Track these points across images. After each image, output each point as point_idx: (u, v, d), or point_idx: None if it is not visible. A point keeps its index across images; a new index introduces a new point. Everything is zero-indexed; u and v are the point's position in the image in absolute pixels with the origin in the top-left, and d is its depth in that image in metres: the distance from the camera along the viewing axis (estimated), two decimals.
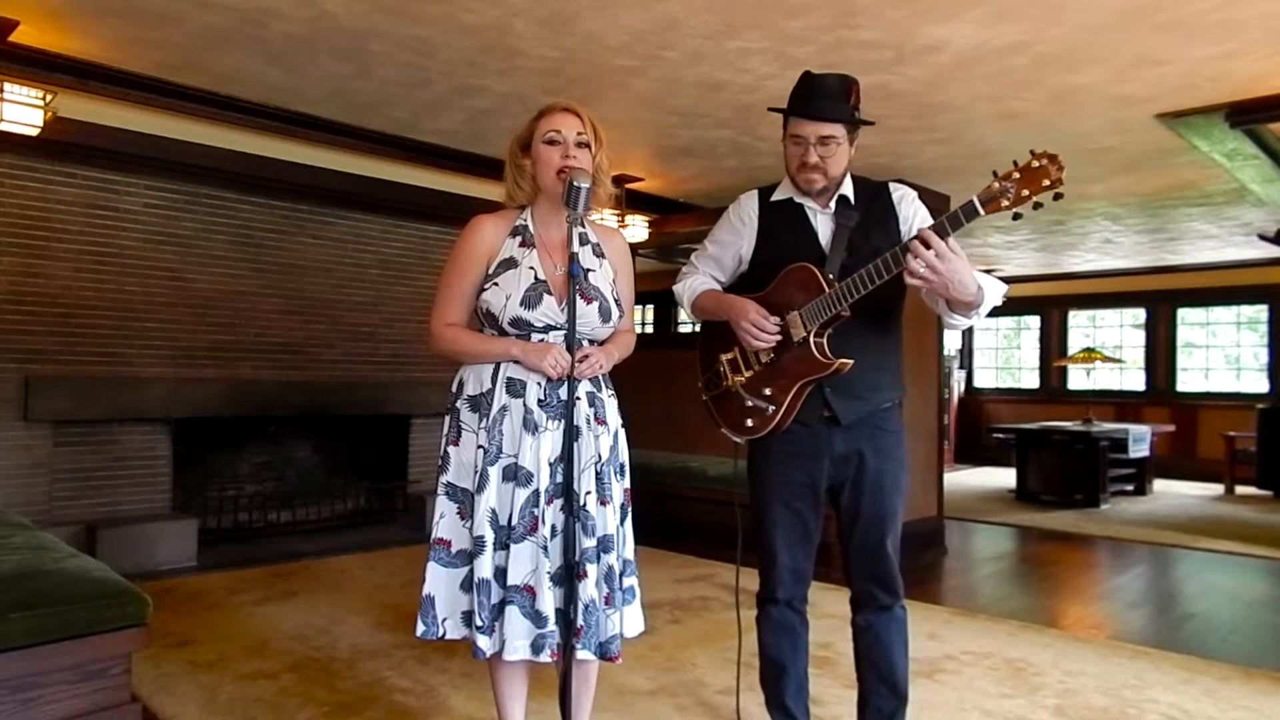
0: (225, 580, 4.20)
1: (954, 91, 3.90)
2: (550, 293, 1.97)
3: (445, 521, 2.00)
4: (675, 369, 5.88)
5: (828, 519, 2.16)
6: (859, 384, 2.04)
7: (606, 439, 2.02)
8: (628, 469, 2.11)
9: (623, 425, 2.13)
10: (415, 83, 3.96)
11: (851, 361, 1.98)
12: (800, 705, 2.21)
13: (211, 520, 5.01)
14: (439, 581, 1.98)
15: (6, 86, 3.57)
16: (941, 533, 5.43)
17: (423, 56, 3.65)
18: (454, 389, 2.07)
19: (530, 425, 1.94)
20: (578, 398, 1.98)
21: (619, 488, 2.05)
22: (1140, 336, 10.08)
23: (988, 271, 10.40)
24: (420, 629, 1.97)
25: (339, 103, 4.29)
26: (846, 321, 1.98)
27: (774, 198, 2.17)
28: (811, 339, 2.00)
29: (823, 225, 2.09)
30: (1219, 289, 9.27)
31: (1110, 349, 9.92)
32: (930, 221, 2.10)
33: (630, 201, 5.84)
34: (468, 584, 1.97)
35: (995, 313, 10.93)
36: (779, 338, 2.04)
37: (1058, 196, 1.78)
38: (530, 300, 1.96)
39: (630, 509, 2.11)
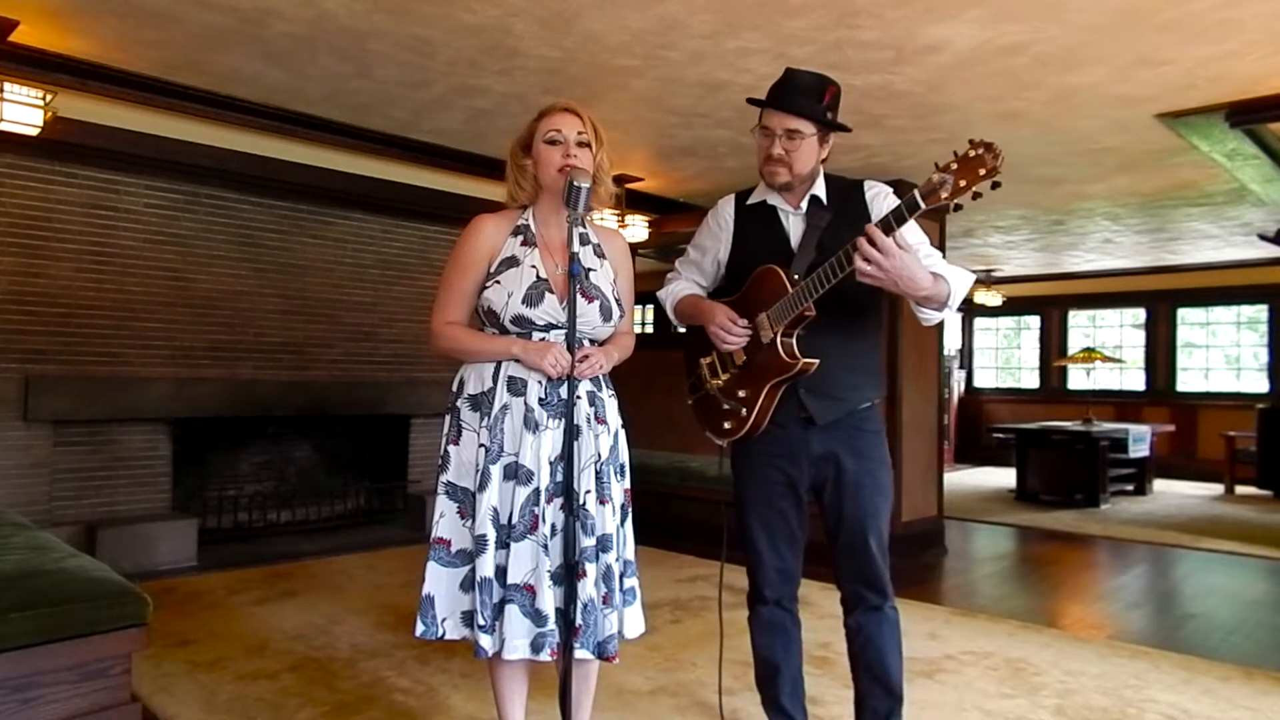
0: (225, 580, 4.20)
1: (954, 91, 3.90)
2: (552, 291, 1.97)
3: (445, 521, 2.00)
4: (675, 369, 5.85)
5: (817, 518, 2.16)
6: (833, 384, 2.04)
7: (606, 439, 2.02)
8: (628, 469, 2.11)
9: (623, 426, 2.13)
10: (415, 83, 3.96)
11: (817, 361, 1.98)
12: (796, 704, 2.21)
13: (211, 520, 5.01)
14: (439, 581, 1.98)
15: (6, 86, 3.57)
16: (941, 533, 5.43)
17: (423, 56, 3.65)
18: (454, 388, 2.07)
19: (531, 424, 1.94)
20: (578, 397, 1.98)
21: (619, 488, 2.05)
22: (1140, 336, 10.09)
23: (986, 273, 10.34)
24: (420, 629, 1.97)
25: (339, 103, 4.29)
26: (819, 321, 1.98)
27: (749, 201, 2.18)
28: (779, 339, 2.00)
29: (794, 226, 2.10)
30: (1219, 289, 9.27)
31: (1110, 349, 9.92)
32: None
33: (630, 201, 5.84)
34: (468, 584, 1.97)
35: (995, 313, 10.85)
36: (745, 340, 2.05)
37: (995, 185, 1.75)
38: (532, 298, 1.96)
39: (630, 510, 2.11)
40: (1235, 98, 3.89)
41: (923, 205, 1.78)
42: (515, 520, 1.92)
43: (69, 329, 4.36)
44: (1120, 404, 9.92)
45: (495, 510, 1.93)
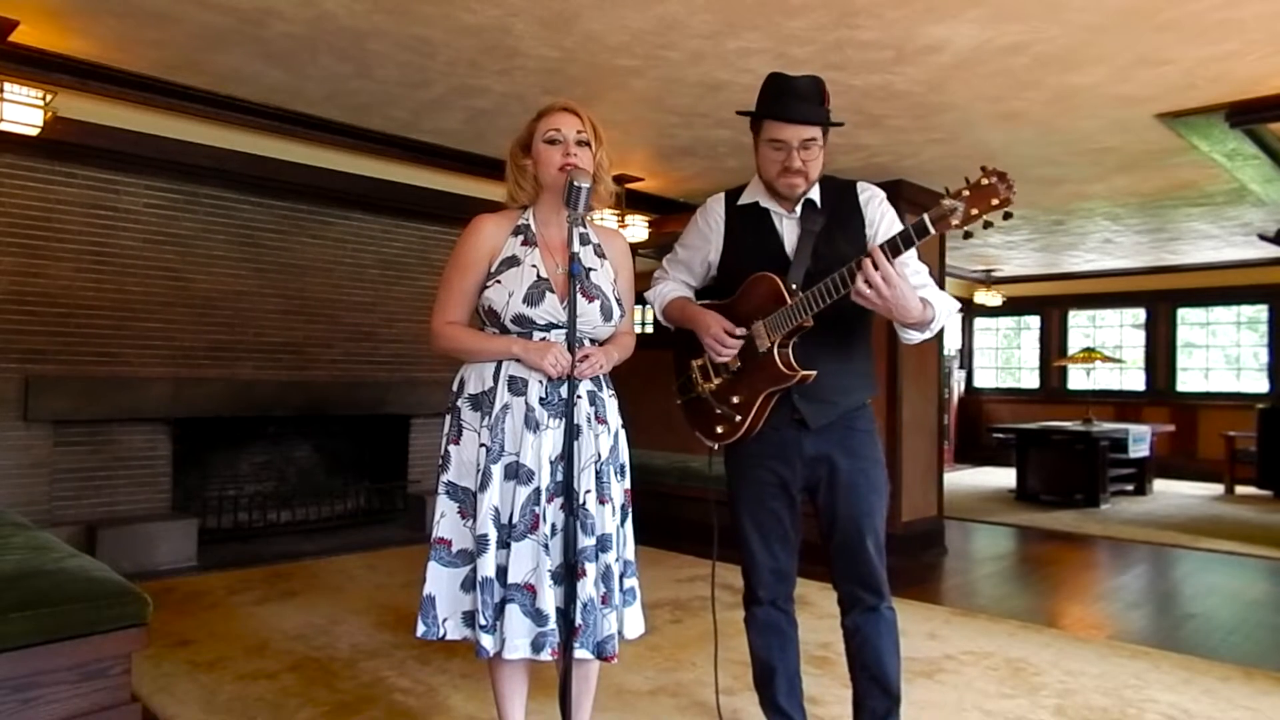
0: (225, 580, 4.20)
1: (954, 91, 3.90)
2: (552, 290, 1.97)
3: (446, 521, 2.00)
4: (675, 369, 5.88)
5: (810, 518, 2.15)
6: (827, 389, 2.04)
7: (606, 438, 2.02)
8: (628, 469, 2.11)
9: (623, 426, 2.13)
10: (415, 83, 3.96)
11: (815, 373, 1.98)
12: (794, 704, 2.21)
13: (211, 520, 5.01)
14: (440, 581, 1.98)
15: (6, 86, 3.57)
16: (941, 533, 5.43)
17: (423, 56, 3.65)
18: (455, 388, 2.07)
19: (531, 423, 1.94)
20: (579, 397, 1.98)
21: (619, 488, 2.05)
22: (1140, 336, 10.09)
23: (986, 273, 10.35)
24: (420, 629, 1.97)
25: (339, 103, 4.29)
26: (814, 329, 1.98)
27: (740, 201, 2.15)
28: (775, 349, 1.99)
29: (788, 231, 2.08)
30: (1219, 289, 9.27)
31: (1110, 349, 9.92)
32: (897, 224, 2.08)
33: (630, 201, 5.84)
34: (468, 584, 1.97)
35: (995, 313, 10.85)
36: (738, 349, 2.05)
37: (1007, 215, 1.75)
38: (533, 298, 1.96)
39: (630, 510, 2.11)
40: (1235, 98, 3.89)
41: (932, 230, 1.77)
42: (516, 520, 1.92)
43: (69, 329, 4.36)
44: (1120, 404, 9.92)
45: (496, 510, 1.93)
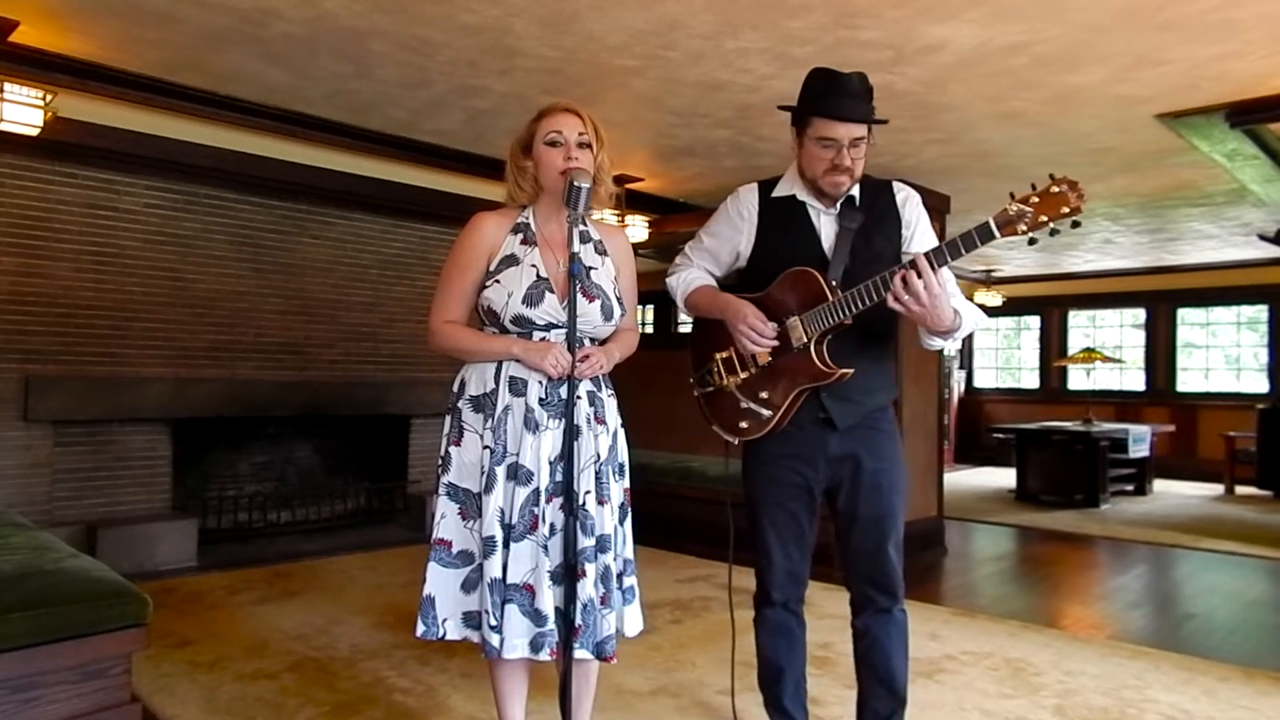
0: (225, 580, 4.20)
1: (954, 91, 3.90)
2: (552, 290, 1.97)
3: (446, 522, 1.99)
4: (675, 369, 5.85)
5: (824, 520, 2.15)
6: (855, 388, 2.02)
7: (605, 439, 2.02)
8: (627, 469, 2.11)
9: (622, 425, 2.13)
10: (415, 83, 3.96)
11: (852, 372, 1.96)
12: (798, 706, 2.21)
13: (211, 520, 5.01)
14: (440, 582, 1.98)
15: (6, 86, 3.57)
16: (941, 533, 5.43)
17: (423, 56, 3.65)
18: (455, 389, 2.06)
19: (531, 424, 1.94)
20: (578, 397, 1.98)
21: (618, 488, 2.05)
22: (1140, 336, 10.09)
23: (986, 273, 10.36)
24: (420, 629, 1.97)
25: (339, 103, 4.29)
26: (846, 330, 1.97)
27: (775, 193, 2.11)
28: (812, 346, 1.97)
29: (826, 227, 2.05)
30: (1219, 289, 9.27)
31: (1110, 349, 9.92)
32: (930, 228, 2.09)
33: (630, 201, 5.84)
34: (469, 584, 1.97)
35: (995, 313, 10.84)
36: (776, 344, 2.02)
37: (1076, 224, 1.73)
38: (532, 298, 1.95)
39: (630, 509, 2.10)
40: (1235, 98, 3.89)
41: (997, 235, 1.75)
42: (515, 520, 1.91)
43: (69, 329, 4.36)
44: (1120, 404, 9.92)
45: (502, 511, 1.93)
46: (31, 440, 4.24)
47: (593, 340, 2.04)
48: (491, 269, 2.01)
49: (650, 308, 10.97)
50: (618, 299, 2.06)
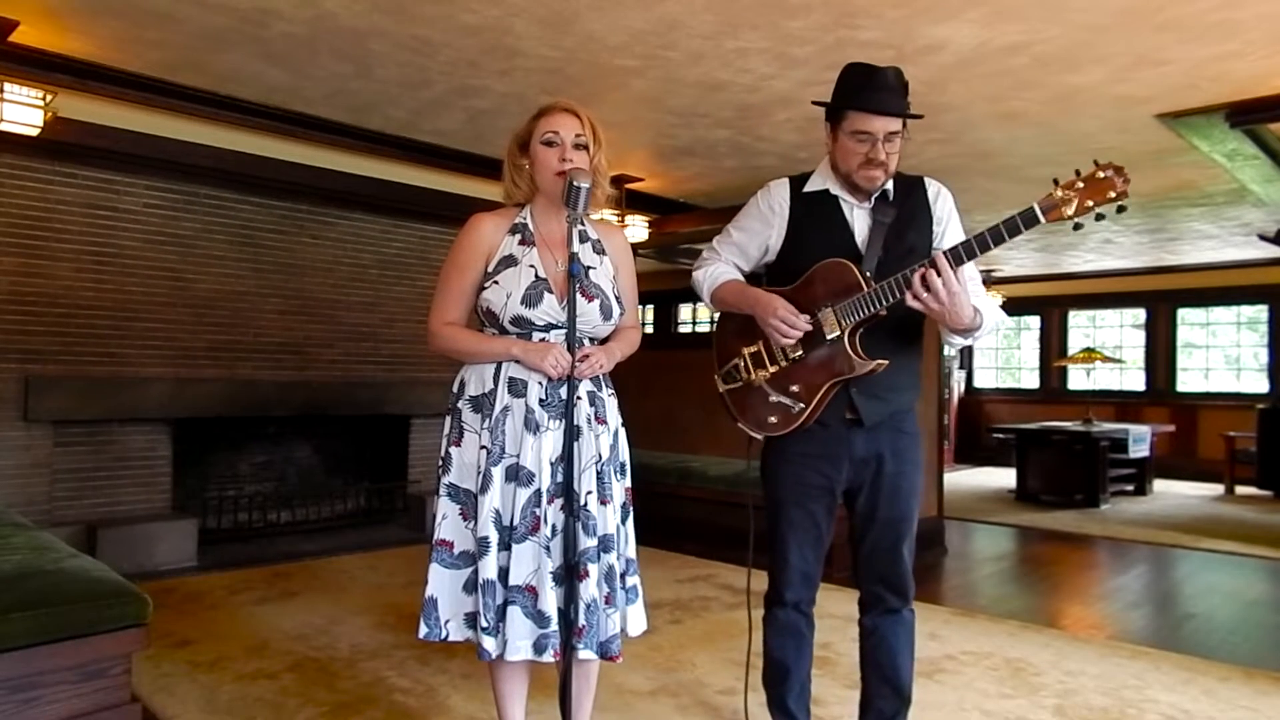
0: (225, 580, 4.20)
1: (954, 91, 3.90)
2: (551, 291, 1.96)
3: (448, 523, 1.99)
4: (676, 369, 5.89)
5: (839, 521, 2.14)
6: (882, 385, 2.01)
7: (607, 438, 2.02)
8: (628, 468, 2.11)
9: (623, 425, 2.12)
10: (415, 83, 3.96)
11: (887, 362, 1.95)
12: (801, 706, 2.20)
13: (211, 520, 5.00)
14: (442, 583, 1.98)
15: (6, 86, 3.57)
16: (941, 533, 5.44)
17: (423, 56, 3.65)
18: (455, 389, 2.06)
19: (532, 425, 1.94)
20: (579, 397, 1.98)
21: (619, 487, 2.05)
22: (1140, 336, 10.09)
23: (986, 273, 10.38)
24: (423, 630, 1.97)
25: (339, 103, 4.29)
26: (878, 324, 1.96)
27: (808, 188, 2.10)
28: (846, 337, 1.96)
29: (859, 221, 2.04)
30: (1219, 289, 9.27)
31: (1110, 349, 9.92)
32: (959, 224, 2.08)
33: (630, 201, 5.84)
34: (470, 585, 1.96)
35: None
36: (804, 334, 2.00)
37: (1121, 209, 1.74)
38: (531, 298, 1.95)
39: (631, 508, 2.10)
40: (1235, 98, 3.89)
41: (1042, 220, 1.77)
42: (516, 522, 1.91)
43: (69, 329, 4.36)
44: (1120, 404, 9.92)
45: (497, 512, 1.92)
46: (31, 440, 4.24)
47: (592, 340, 2.04)
48: (490, 270, 2.01)
49: (651, 307, 10.97)
50: (616, 298, 2.06)
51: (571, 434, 1.90)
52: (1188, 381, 9.81)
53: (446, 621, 1.97)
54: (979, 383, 11.53)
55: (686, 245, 7.73)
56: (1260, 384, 9.27)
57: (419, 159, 5.06)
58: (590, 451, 1.98)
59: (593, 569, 1.92)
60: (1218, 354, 9.77)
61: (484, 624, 1.89)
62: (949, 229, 2.07)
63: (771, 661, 2.20)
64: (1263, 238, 7.04)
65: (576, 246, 1.90)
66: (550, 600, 1.88)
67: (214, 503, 5.08)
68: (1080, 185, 1.74)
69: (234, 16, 3.27)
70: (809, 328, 1.99)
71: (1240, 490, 8.21)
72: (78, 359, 4.38)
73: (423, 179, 5.31)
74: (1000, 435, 8.67)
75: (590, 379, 2.01)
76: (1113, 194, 1.72)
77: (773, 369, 2.07)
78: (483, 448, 1.95)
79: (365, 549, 4.98)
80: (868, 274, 1.95)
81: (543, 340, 1.97)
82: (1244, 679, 3.06)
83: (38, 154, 4.19)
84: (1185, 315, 9.85)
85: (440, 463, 2.03)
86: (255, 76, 3.93)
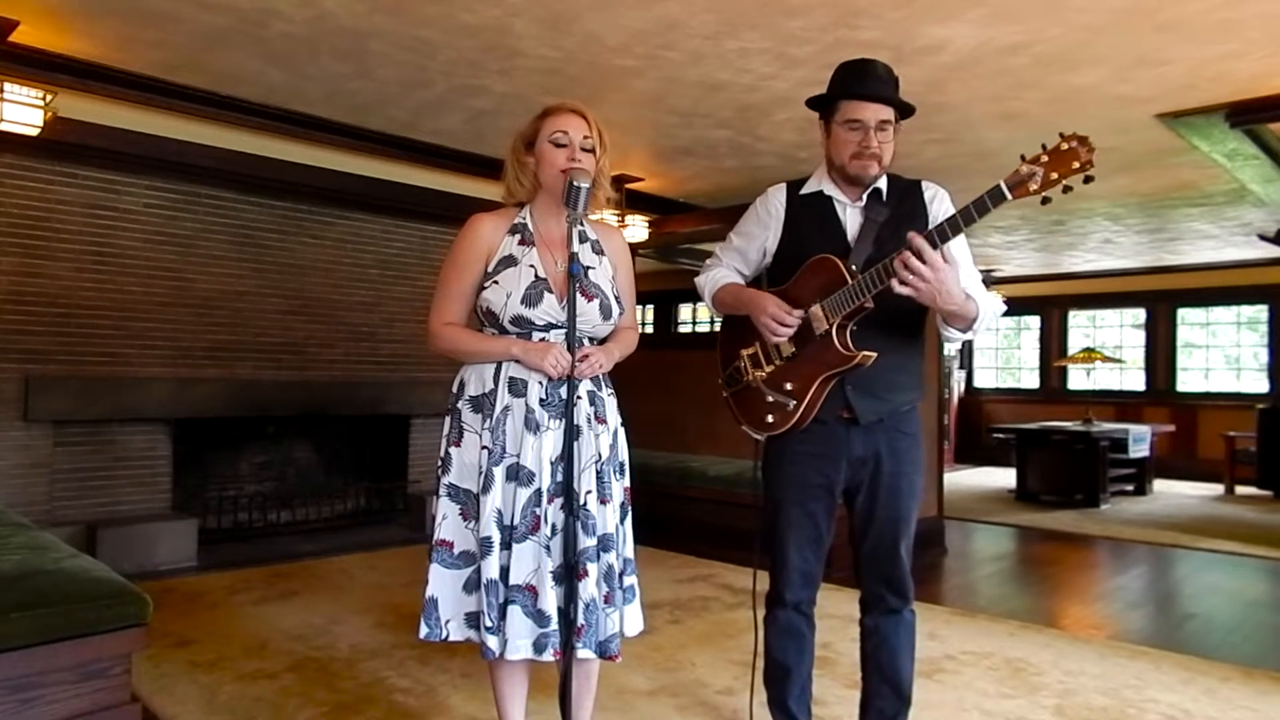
0: (225, 580, 4.20)
1: (954, 91, 3.90)
2: (551, 290, 1.97)
3: (448, 523, 1.99)
4: (675, 369, 5.89)
5: (839, 521, 2.14)
6: (879, 383, 2.01)
7: (606, 438, 2.02)
8: (627, 468, 2.11)
9: (622, 424, 2.13)
10: (415, 83, 3.96)
11: (875, 355, 1.95)
12: (802, 706, 2.20)
13: (211, 520, 5.00)
14: (442, 583, 1.98)
15: (6, 86, 3.57)
16: (941, 533, 5.44)
17: (423, 56, 3.65)
18: (455, 389, 2.06)
19: (532, 424, 1.94)
20: (579, 397, 1.98)
21: (618, 486, 2.05)
22: (1140, 336, 10.09)
23: (986, 273, 10.39)
24: (424, 631, 1.97)
25: (339, 103, 4.29)
26: (871, 319, 1.96)
27: (803, 191, 2.13)
28: (834, 331, 1.97)
29: (851, 219, 2.06)
30: (1219, 289, 9.27)
31: (1110, 349, 9.92)
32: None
33: (630, 201, 5.84)
34: (471, 585, 1.97)
35: None
36: (795, 328, 2.01)
37: (1088, 179, 1.72)
38: (531, 298, 1.95)
39: (630, 508, 2.10)
40: (1235, 98, 3.89)
41: (1009, 196, 1.76)
42: (517, 521, 1.91)
43: (69, 329, 4.36)
44: (1120, 404, 9.92)
45: (500, 512, 1.92)
46: (31, 440, 4.24)
47: (592, 340, 2.04)
48: (490, 270, 2.01)
49: (650, 308, 10.97)
50: (616, 298, 2.06)
51: (571, 434, 1.91)
52: (1188, 381, 9.81)
53: (447, 621, 1.97)
54: (979, 382, 11.53)
55: (686, 245, 7.73)
56: (1260, 384, 9.27)
57: (419, 159, 5.06)
58: (590, 451, 1.98)
59: (592, 568, 1.92)
60: (1218, 354, 9.77)
61: (488, 623, 1.89)
62: None
63: (772, 662, 2.20)
64: (1263, 238, 7.04)
65: (576, 246, 1.91)
66: (550, 599, 1.88)
67: (214, 503, 5.08)
68: (1045, 159, 1.73)
69: (234, 16, 3.27)
70: (798, 322, 2.01)
71: (1240, 490, 8.21)
72: (78, 359, 4.38)
73: (423, 179, 5.31)
74: (1000, 435, 8.67)
75: (590, 379, 2.02)
76: (1077, 164, 1.70)
77: (769, 368, 2.09)
78: (484, 448, 1.95)
79: (365, 549, 4.98)
80: (853, 267, 1.96)
81: (543, 340, 1.97)
82: (1244, 679, 3.06)
83: (38, 154, 4.20)
84: (1185, 315, 9.85)
85: (440, 463, 2.03)
86: (255, 76, 3.93)
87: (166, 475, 4.73)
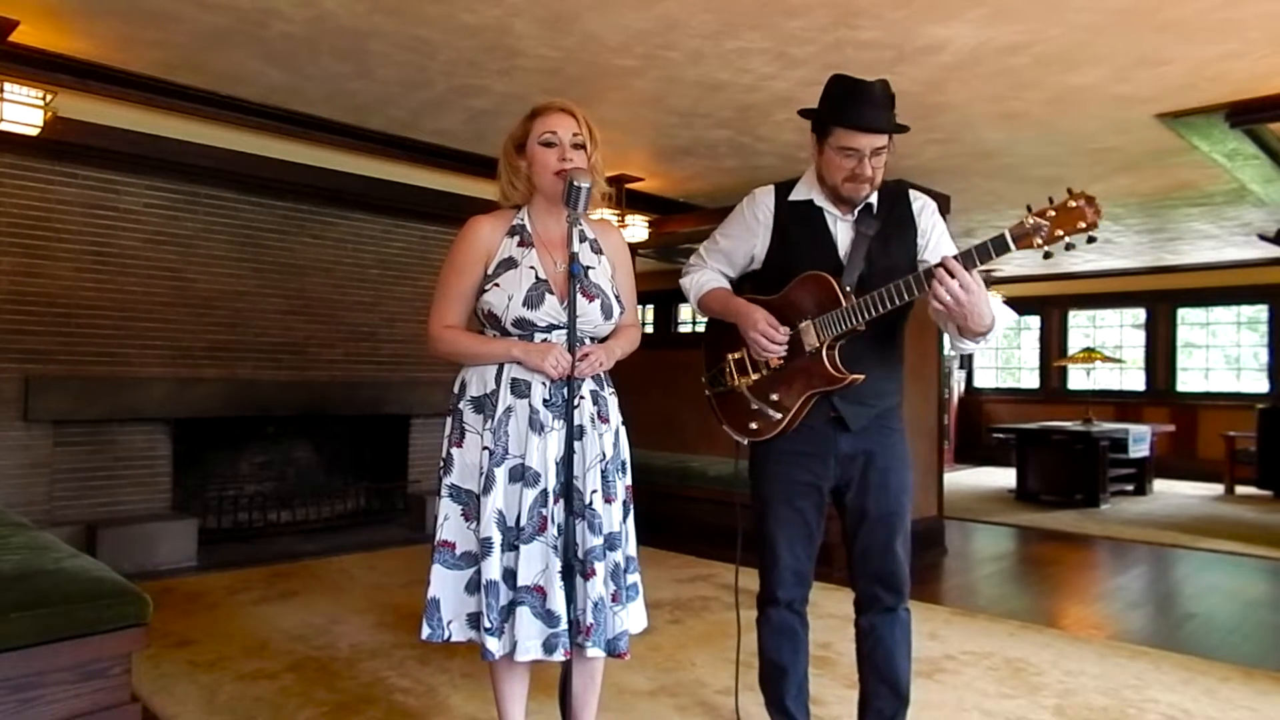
0: (225, 580, 4.20)
1: (954, 91, 3.90)
2: (552, 292, 1.97)
3: (450, 524, 1.99)
4: (675, 369, 5.88)
5: (830, 519, 2.15)
6: (867, 392, 2.02)
7: (609, 436, 2.03)
8: (628, 466, 2.11)
9: (623, 423, 2.13)
10: (415, 83, 3.96)
11: (863, 377, 1.97)
12: (800, 706, 2.20)
13: (211, 520, 5.01)
14: (444, 584, 1.98)
15: (6, 86, 3.57)
16: (941, 533, 5.44)
17: (423, 56, 3.65)
18: (456, 390, 2.06)
19: (536, 425, 1.94)
20: (581, 397, 1.98)
21: (621, 484, 2.05)
22: (1140, 336, 10.09)
23: (986, 273, 10.43)
24: (425, 631, 1.97)
25: (339, 103, 4.29)
26: (858, 334, 1.97)
27: (793, 197, 2.11)
28: (824, 351, 1.98)
29: (842, 233, 2.06)
30: (1219, 289, 9.27)
31: (1110, 349, 9.92)
32: (947, 235, 2.10)
33: (630, 201, 5.84)
34: (473, 586, 1.96)
35: None
36: (786, 350, 2.03)
37: (1091, 240, 1.75)
38: (533, 300, 1.95)
39: (631, 505, 2.11)
40: (1235, 98, 3.89)
41: (1013, 248, 1.78)
42: (524, 522, 1.91)
43: (69, 329, 4.36)
44: (1120, 404, 9.92)
45: (501, 513, 1.92)
46: (31, 440, 4.24)
47: (594, 339, 2.04)
48: (490, 272, 2.01)
49: (650, 307, 10.97)
50: (616, 297, 2.06)
51: (571, 434, 1.91)
52: (1188, 381, 9.81)
53: (449, 622, 1.97)
54: (979, 382, 11.54)
55: (686, 245, 7.73)
56: (1260, 384, 9.27)
57: (419, 159, 5.06)
58: (595, 450, 1.98)
59: (600, 567, 1.92)
60: (1218, 354, 9.77)
61: (487, 624, 1.89)
62: (933, 239, 2.07)
63: (768, 663, 2.20)
64: (1263, 238, 7.03)
65: (575, 246, 1.91)
66: (559, 600, 1.88)
67: (214, 503, 5.08)
68: (1052, 214, 1.75)
69: (234, 16, 3.27)
70: (786, 339, 2.02)
71: (1240, 490, 8.21)
72: (78, 359, 4.38)
73: (423, 179, 5.31)
74: (1000, 435, 8.67)
75: (592, 378, 2.02)
76: (1083, 224, 1.72)
77: (755, 376, 2.10)
78: (485, 448, 1.95)
79: (365, 549, 4.98)
80: (848, 289, 1.97)
81: (544, 341, 1.97)
82: (1244, 679, 3.06)
83: (38, 154, 4.20)
84: (1185, 315, 9.85)
85: (442, 463, 2.03)
86: (255, 76, 3.93)
87: (166, 475, 4.73)
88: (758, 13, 3.14)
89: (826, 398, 2.03)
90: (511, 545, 1.92)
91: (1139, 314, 10.09)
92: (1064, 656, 3.27)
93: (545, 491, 1.92)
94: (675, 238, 6.64)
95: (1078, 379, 10.52)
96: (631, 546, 2.07)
